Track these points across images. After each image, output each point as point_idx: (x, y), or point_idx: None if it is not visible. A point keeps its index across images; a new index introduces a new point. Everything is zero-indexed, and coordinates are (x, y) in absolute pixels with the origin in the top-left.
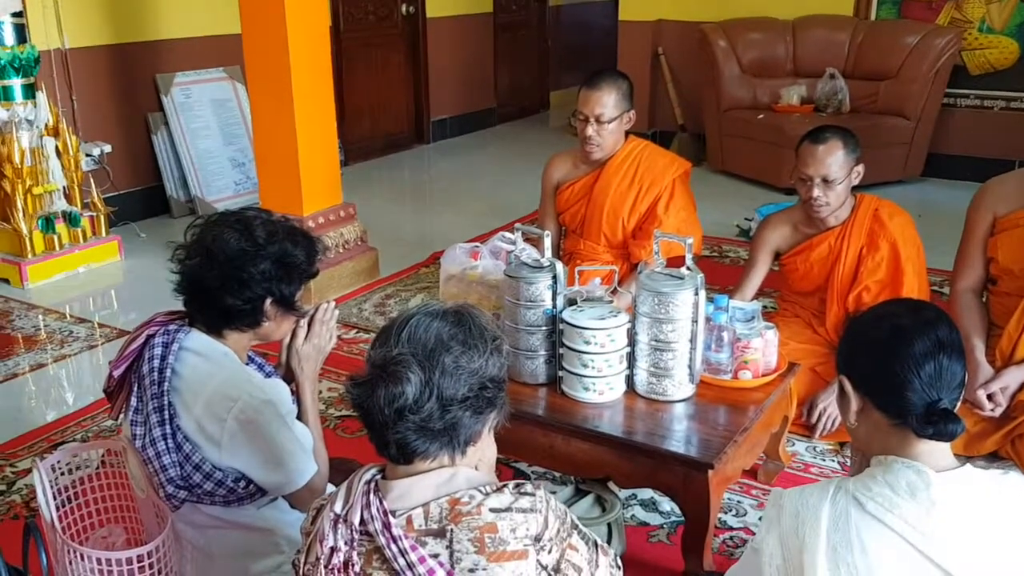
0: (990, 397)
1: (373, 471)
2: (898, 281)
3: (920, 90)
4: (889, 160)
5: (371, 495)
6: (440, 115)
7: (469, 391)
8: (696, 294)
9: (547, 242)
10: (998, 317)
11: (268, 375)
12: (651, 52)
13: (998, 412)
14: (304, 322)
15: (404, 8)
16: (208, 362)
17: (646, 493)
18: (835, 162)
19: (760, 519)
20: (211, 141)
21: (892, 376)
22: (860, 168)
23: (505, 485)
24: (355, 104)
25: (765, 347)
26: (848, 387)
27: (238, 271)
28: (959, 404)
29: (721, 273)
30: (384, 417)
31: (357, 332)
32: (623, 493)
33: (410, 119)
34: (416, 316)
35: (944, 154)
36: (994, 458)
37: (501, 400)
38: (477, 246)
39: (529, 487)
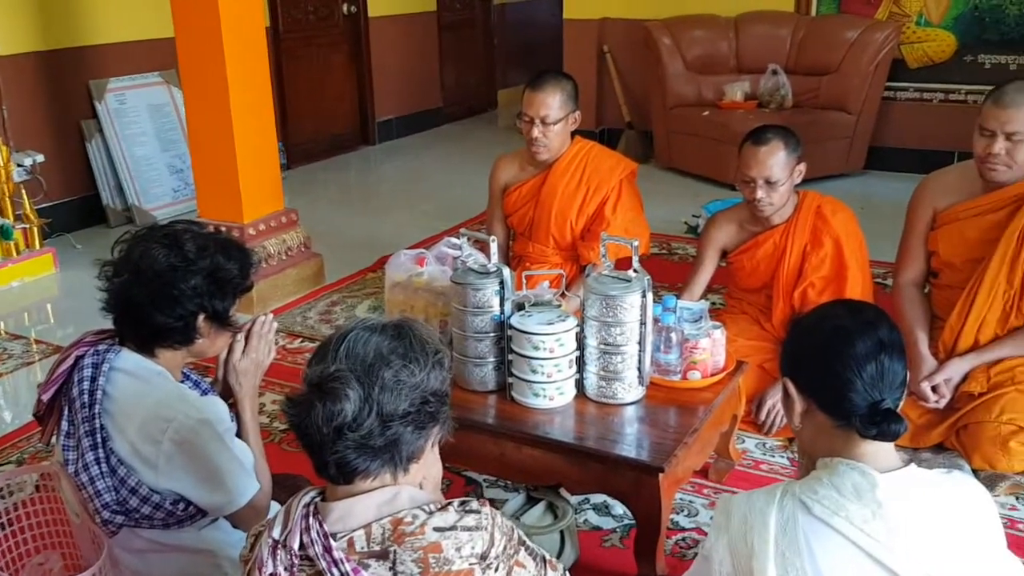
0: (934, 389)
1: (312, 494)
2: (842, 276)
3: (861, 84)
4: (831, 154)
5: (310, 518)
6: (385, 115)
7: (410, 406)
8: (644, 296)
9: (493, 247)
10: (940, 309)
11: (204, 392)
12: (597, 50)
13: (942, 404)
14: (241, 336)
15: (345, 7)
16: (140, 382)
17: (599, 497)
18: (777, 163)
19: (711, 520)
20: (148, 148)
21: (834, 377)
22: (802, 167)
23: (450, 503)
24: (297, 106)
25: (713, 347)
26: (792, 389)
27: (168, 287)
28: (902, 403)
29: (670, 271)
30: (322, 436)
31: (302, 341)
32: (575, 498)
33: (354, 120)
34: (354, 331)
35: (885, 147)
36: (940, 449)
37: (444, 414)
38: (423, 252)
39: (475, 504)
